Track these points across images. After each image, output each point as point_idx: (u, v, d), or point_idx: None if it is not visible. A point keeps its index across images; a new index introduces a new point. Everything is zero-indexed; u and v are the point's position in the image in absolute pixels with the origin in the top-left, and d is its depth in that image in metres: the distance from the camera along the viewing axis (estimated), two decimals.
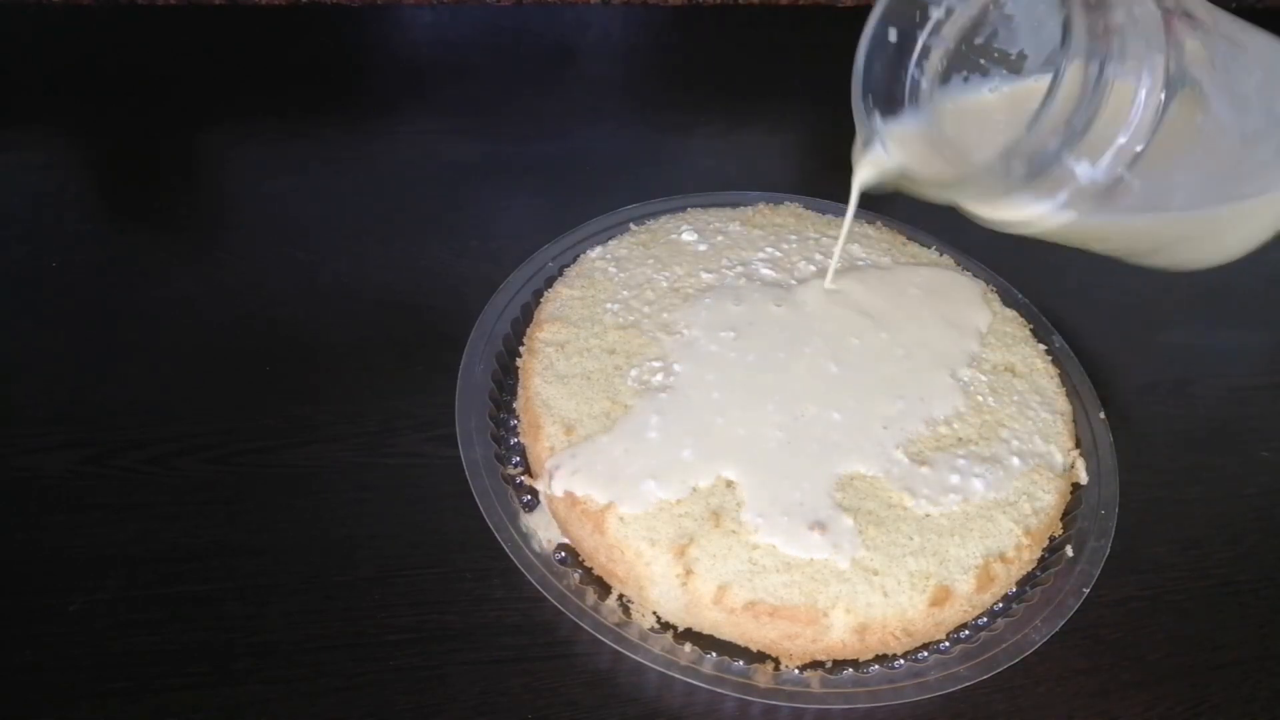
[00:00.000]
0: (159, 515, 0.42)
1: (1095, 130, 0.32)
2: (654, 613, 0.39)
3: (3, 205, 0.54)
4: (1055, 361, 0.48)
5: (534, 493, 0.42)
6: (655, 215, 0.52)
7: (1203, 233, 0.39)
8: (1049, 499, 0.42)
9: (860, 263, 0.50)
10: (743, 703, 0.38)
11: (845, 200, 0.55)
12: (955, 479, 0.41)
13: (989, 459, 0.42)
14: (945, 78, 0.40)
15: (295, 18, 0.68)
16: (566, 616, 0.38)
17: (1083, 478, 0.44)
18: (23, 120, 0.60)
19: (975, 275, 0.51)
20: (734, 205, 0.53)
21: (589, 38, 0.71)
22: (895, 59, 0.40)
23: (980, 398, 0.45)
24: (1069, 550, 0.42)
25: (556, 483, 0.40)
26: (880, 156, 0.40)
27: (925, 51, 0.40)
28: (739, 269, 0.48)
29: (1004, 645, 0.39)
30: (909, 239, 0.53)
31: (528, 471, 0.43)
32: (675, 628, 0.39)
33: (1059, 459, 0.43)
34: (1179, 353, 0.56)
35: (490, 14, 0.70)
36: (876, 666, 0.39)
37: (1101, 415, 0.47)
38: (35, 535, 0.41)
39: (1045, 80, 0.32)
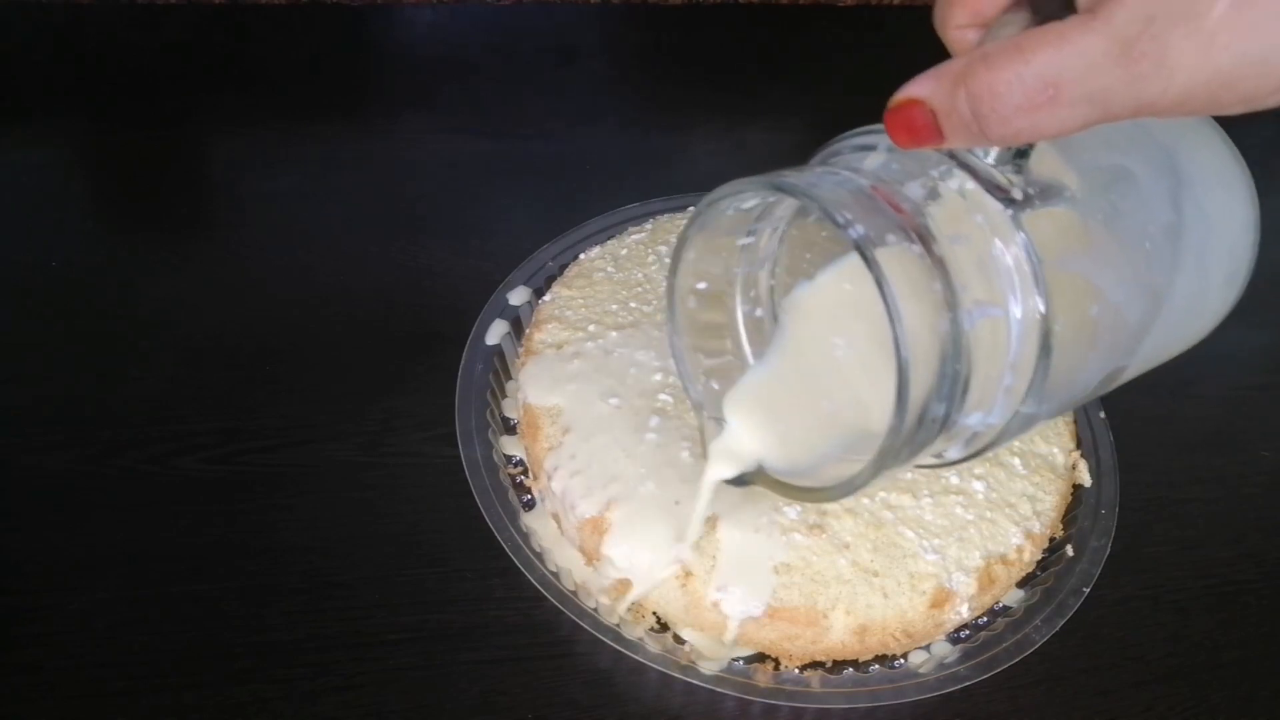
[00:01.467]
0: (159, 515, 0.42)
1: (974, 385, 0.26)
2: (654, 613, 0.39)
3: (3, 205, 0.54)
4: None
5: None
6: (655, 215, 0.52)
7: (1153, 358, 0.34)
8: (1050, 500, 0.42)
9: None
10: (743, 702, 0.38)
11: None
12: (956, 480, 0.41)
13: (990, 460, 0.42)
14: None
15: (295, 17, 0.68)
16: (566, 616, 0.38)
17: (1085, 479, 0.44)
18: (23, 120, 0.60)
19: None
20: None
21: (589, 38, 0.71)
22: (715, 306, 0.34)
23: None
24: (1069, 550, 0.42)
25: (555, 483, 0.40)
26: (732, 443, 0.34)
27: (750, 282, 0.34)
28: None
29: (1004, 645, 0.39)
30: None
31: (527, 472, 0.43)
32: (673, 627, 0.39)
33: (1060, 460, 0.43)
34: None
35: (490, 14, 0.70)
36: (876, 666, 0.39)
37: (1101, 415, 0.47)
38: (35, 535, 0.41)
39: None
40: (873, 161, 0.29)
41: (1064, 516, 0.43)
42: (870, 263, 0.25)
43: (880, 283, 0.25)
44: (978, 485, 0.41)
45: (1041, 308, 0.26)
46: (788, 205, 0.32)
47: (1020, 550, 0.40)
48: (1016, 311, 0.26)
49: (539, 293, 0.48)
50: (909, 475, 0.36)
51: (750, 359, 0.35)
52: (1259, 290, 0.63)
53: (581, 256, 0.49)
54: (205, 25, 0.67)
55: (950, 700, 0.38)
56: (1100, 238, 0.28)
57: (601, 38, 0.71)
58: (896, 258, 0.25)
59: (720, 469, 0.34)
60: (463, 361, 0.45)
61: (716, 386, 0.35)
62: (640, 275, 0.48)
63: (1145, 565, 0.45)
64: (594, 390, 0.42)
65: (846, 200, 0.26)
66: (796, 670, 0.38)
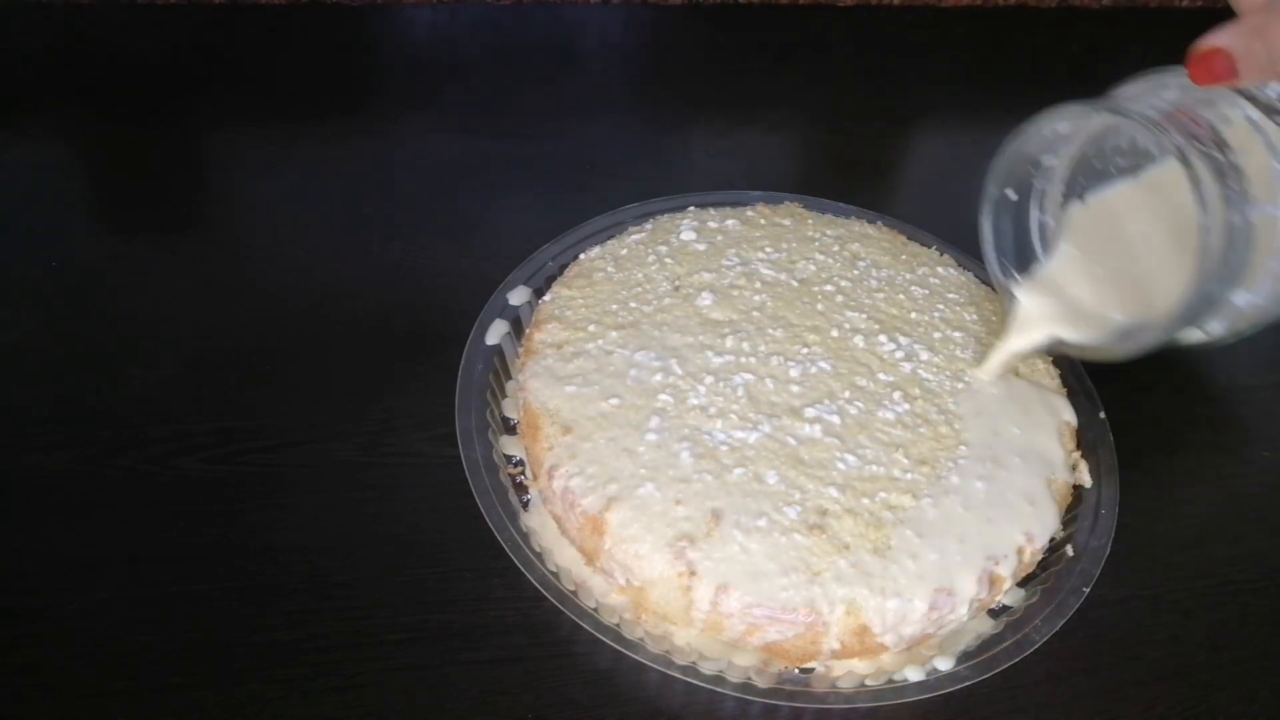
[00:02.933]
0: (159, 515, 0.42)
1: (1248, 268, 0.33)
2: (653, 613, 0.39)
3: (3, 205, 0.54)
4: (1056, 362, 0.48)
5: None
6: (655, 215, 0.52)
7: None
8: (1050, 501, 0.42)
9: (861, 263, 0.50)
10: (743, 702, 0.38)
11: (844, 199, 0.55)
12: (956, 480, 0.41)
13: (990, 460, 0.42)
14: (1066, 203, 0.41)
15: (295, 17, 0.68)
16: (566, 616, 0.38)
17: (1086, 480, 0.44)
18: (22, 120, 0.60)
19: (975, 275, 0.51)
20: (734, 205, 0.53)
21: (589, 37, 0.71)
22: (1017, 213, 0.41)
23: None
24: (1069, 550, 0.42)
25: (555, 483, 0.40)
26: (1029, 315, 0.42)
27: (1042, 195, 0.41)
28: (739, 268, 0.48)
29: (1004, 645, 0.39)
30: (909, 239, 0.53)
31: (526, 471, 0.43)
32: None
33: (1060, 460, 0.43)
34: (1179, 353, 0.56)
35: (490, 13, 0.70)
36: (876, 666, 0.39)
37: (1101, 415, 0.47)
38: (35, 535, 0.41)
39: (1166, 172, 0.34)
40: (1170, 94, 0.35)
41: (1064, 516, 0.43)
42: (1186, 162, 0.31)
43: (1195, 180, 0.31)
44: (978, 485, 0.41)
45: None
46: (1085, 133, 0.39)
47: (1021, 551, 0.40)
48: None
49: (539, 293, 0.48)
50: (1194, 335, 0.40)
51: (1041, 256, 0.42)
52: None
53: (581, 256, 0.49)
54: (205, 25, 0.67)
55: (950, 700, 0.38)
56: None
57: (601, 38, 0.71)
58: (1197, 163, 0.32)
59: (1021, 340, 0.43)
60: (463, 361, 0.45)
61: (1015, 272, 0.42)
62: (640, 275, 0.48)
63: (1145, 565, 0.45)
64: (594, 390, 0.42)
65: (1158, 118, 0.33)
66: (796, 670, 0.38)
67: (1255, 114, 0.33)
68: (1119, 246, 0.41)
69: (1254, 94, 0.33)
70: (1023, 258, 0.42)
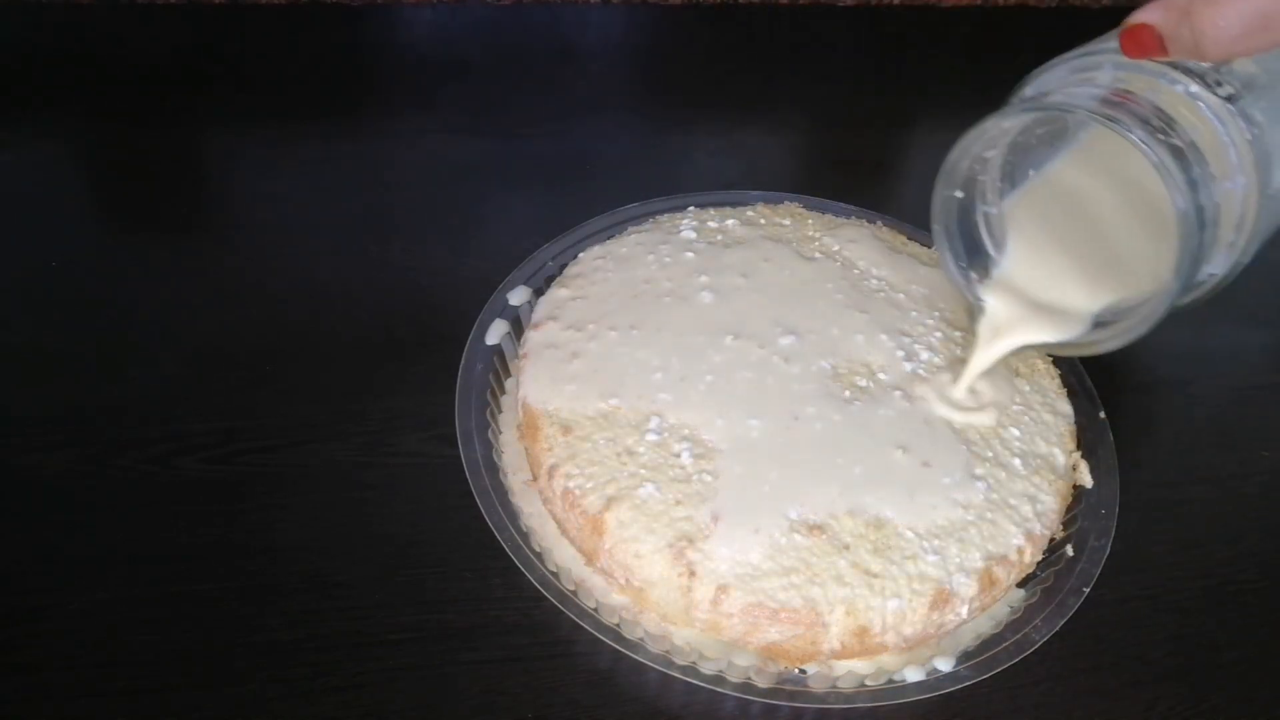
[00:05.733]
0: (159, 515, 0.42)
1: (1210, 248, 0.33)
2: (653, 613, 0.39)
3: (3, 205, 0.55)
4: (1056, 362, 0.48)
5: None
6: (655, 215, 0.52)
7: None
8: (1050, 501, 0.42)
9: (861, 263, 0.50)
10: (743, 702, 0.38)
11: (844, 199, 0.55)
12: (956, 480, 0.41)
13: (990, 460, 0.42)
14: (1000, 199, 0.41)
15: (295, 17, 0.68)
16: (566, 616, 0.38)
17: (1086, 480, 0.44)
18: (22, 120, 0.60)
19: None
20: (734, 205, 0.53)
21: (589, 37, 0.71)
22: (962, 211, 0.40)
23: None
24: (1069, 550, 0.42)
25: (555, 483, 0.40)
26: (994, 316, 0.41)
27: (984, 186, 0.40)
28: (739, 268, 0.48)
29: (1004, 645, 0.39)
30: (909, 239, 0.53)
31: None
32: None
33: (1061, 461, 0.43)
34: (1179, 353, 0.56)
35: (490, 14, 0.70)
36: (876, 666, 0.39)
37: (1101, 415, 0.47)
38: (35, 535, 0.41)
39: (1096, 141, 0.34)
40: (1104, 76, 0.35)
41: (1064, 516, 0.43)
42: (1148, 149, 0.31)
43: (1163, 170, 0.31)
44: (978, 486, 0.41)
45: (1257, 179, 0.32)
46: (1018, 121, 0.38)
47: (1021, 551, 0.40)
48: (1240, 181, 0.32)
49: (539, 293, 0.48)
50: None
51: (991, 251, 0.41)
52: (1259, 290, 0.64)
53: (581, 256, 0.49)
54: (205, 25, 0.67)
55: (950, 700, 0.38)
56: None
57: (601, 38, 0.71)
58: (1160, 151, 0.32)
59: (989, 352, 0.42)
60: (463, 361, 0.45)
61: (975, 277, 0.41)
62: (640, 275, 0.48)
63: (1145, 565, 0.45)
64: (594, 390, 0.42)
65: (1101, 105, 0.33)
66: (796, 670, 0.38)
67: (1195, 88, 0.33)
68: (1069, 230, 0.40)
69: (1188, 66, 0.33)
70: (979, 262, 0.41)
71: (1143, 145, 0.32)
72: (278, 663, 0.38)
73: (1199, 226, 0.32)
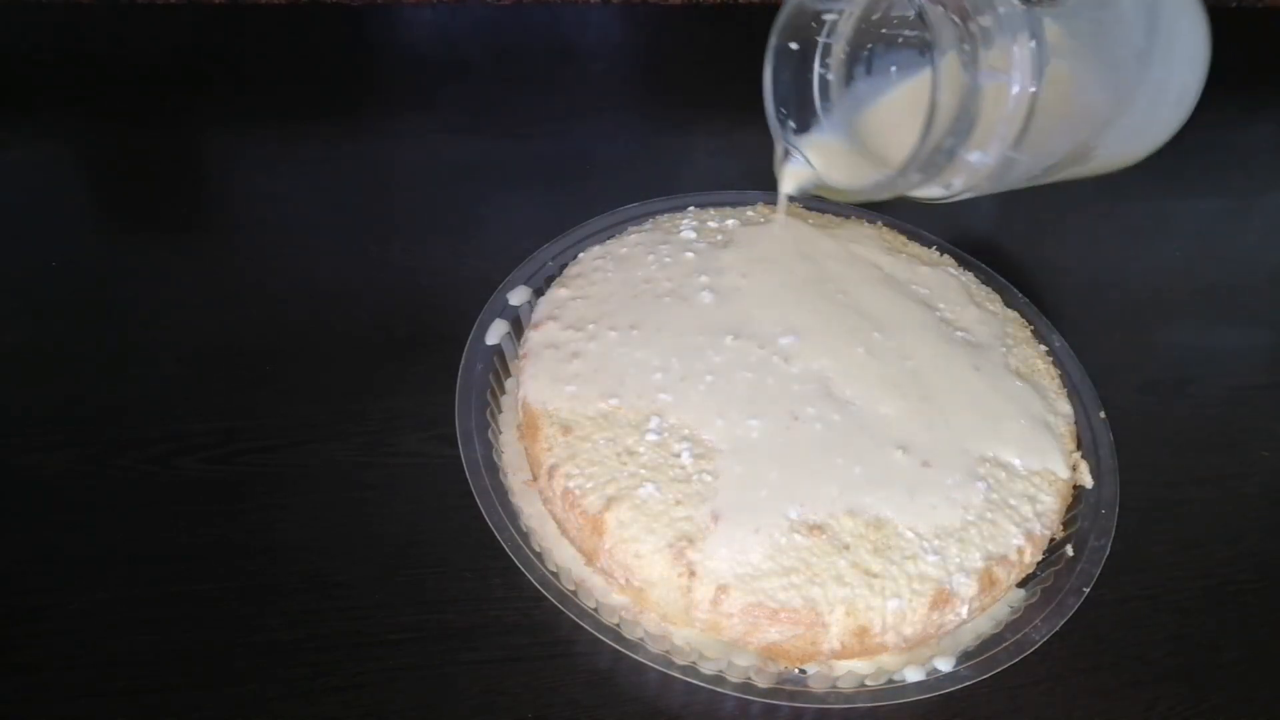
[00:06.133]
0: (159, 515, 0.42)
1: (978, 129, 0.36)
2: (653, 614, 0.39)
3: (3, 205, 0.55)
4: (1056, 362, 0.48)
5: None
6: (655, 215, 0.52)
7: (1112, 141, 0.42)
8: (1051, 502, 0.42)
9: (861, 263, 0.50)
10: (743, 702, 0.38)
11: (842, 202, 0.55)
12: (956, 480, 0.41)
13: (990, 461, 0.42)
14: (849, 76, 0.43)
15: (295, 17, 0.68)
16: (566, 616, 0.38)
17: (1087, 481, 0.44)
18: (22, 120, 0.60)
19: (976, 275, 0.51)
20: (734, 205, 0.53)
21: (589, 37, 0.71)
22: (800, 66, 0.43)
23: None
24: (1069, 550, 0.42)
25: (555, 484, 0.40)
26: (798, 168, 0.44)
27: (827, 50, 0.43)
28: (739, 269, 0.48)
29: (1004, 645, 0.39)
30: (910, 238, 0.53)
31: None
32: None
33: (1061, 461, 0.43)
34: (1179, 353, 0.56)
35: (490, 14, 0.70)
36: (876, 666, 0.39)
37: (1101, 415, 0.47)
38: (35, 535, 0.41)
39: (926, 75, 0.36)
40: None
41: (1064, 516, 0.43)
42: (927, 21, 0.35)
43: (933, 41, 0.35)
44: (978, 486, 0.41)
45: (1033, 87, 0.35)
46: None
47: (1021, 551, 0.40)
48: (1017, 80, 0.35)
49: (539, 293, 0.48)
50: (928, 193, 0.42)
51: (819, 109, 0.44)
52: (1258, 290, 0.64)
53: (581, 256, 0.49)
54: (205, 25, 0.67)
55: (950, 700, 0.38)
56: (1085, 44, 0.38)
57: (601, 38, 0.71)
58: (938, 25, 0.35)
59: (789, 185, 0.45)
60: (463, 361, 0.45)
61: (794, 125, 0.44)
62: (640, 275, 0.48)
63: (1145, 565, 0.45)
64: (593, 390, 0.42)
65: None
66: (796, 670, 0.38)
67: None
68: (879, 122, 0.43)
69: None
70: (801, 110, 0.44)
71: (917, 9, 0.35)
72: (278, 663, 0.38)
73: (956, 98, 0.34)
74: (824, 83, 0.43)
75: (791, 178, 0.45)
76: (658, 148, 0.64)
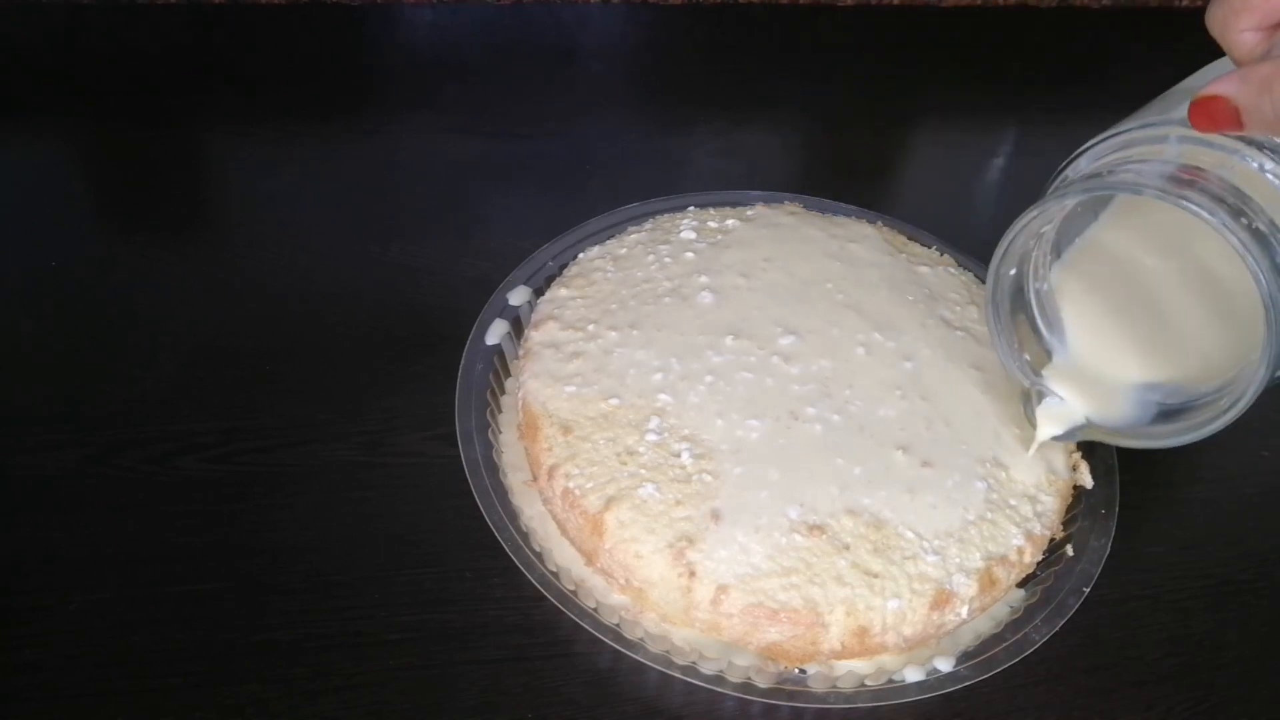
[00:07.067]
0: (159, 515, 0.42)
1: None
2: (653, 614, 0.39)
3: (3, 205, 0.55)
4: None
5: None
6: (655, 215, 0.52)
7: None
8: (1051, 502, 0.42)
9: (861, 263, 0.50)
10: (743, 702, 0.38)
11: (844, 199, 0.55)
12: (956, 480, 0.41)
13: (991, 460, 0.42)
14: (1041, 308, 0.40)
15: (295, 17, 0.68)
16: (566, 616, 0.38)
17: (1087, 481, 0.44)
18: (22, 120, 0.60)
19: (976, 275, 0.51)
20: (734, 205, 0.53)
21: (589, 37, 0.71)
22: (1017, 290, 0.39)
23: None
24: (1069, 550, 0.42)
25: (555, 484, 0.40)
26: (1059, 408, 0.40)
27: (1035, 262, 0.39)
28: (739, 268, 0.48)
29: (1004, 645, 0.39)
30: (910, 238, 0.53)
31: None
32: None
33: (1061, 461, 0.43)
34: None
35: (490, 13, 0.70)
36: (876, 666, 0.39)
37: None
38: (35, 535, 0.41)
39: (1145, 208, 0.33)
40: (1170, 150, 0.33)
41: (1064, 516, 0.43)
42: (1231, 234, 0.30)
43: (1244, 254, 0.30)
44: (979, 486, 0.41)
45: None
46: (1079, 201, 0.37)
47: (1021, 551, 0.40)
48: None
49: (539, 293, 0.48)
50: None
51: (1045, 331, 0.40)
52: None
53: (581, 256, 0.49)
54: (205, 25, 0.67)
55: (950, 700, 0.38)
56: None
57: (601, 38, 0.71)
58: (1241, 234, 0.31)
59: (1049, 429, 0.40)
60: (463, 361, 0.45)
61: (1028, 358, 0.40)
62: (640, 275, 0.48)
63: (1145, 565, 0.45)
64: (594, 390, 0.42)
65: (1172, 185, 0.31)
66: (796, 670, 0.38)
67: (1270, 165, 0.31)
68: (1121, 299, 0.39)
69: (1262, 141, 0.32)
70: (1033, 346, 0.41)
71: (1225, 230, 0.30)
72: (278, 663, 0.38)
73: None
74: (1040, 297, 0.40)
75: (1052, 420, 0.40)
76: (658, 148, 0.64)
